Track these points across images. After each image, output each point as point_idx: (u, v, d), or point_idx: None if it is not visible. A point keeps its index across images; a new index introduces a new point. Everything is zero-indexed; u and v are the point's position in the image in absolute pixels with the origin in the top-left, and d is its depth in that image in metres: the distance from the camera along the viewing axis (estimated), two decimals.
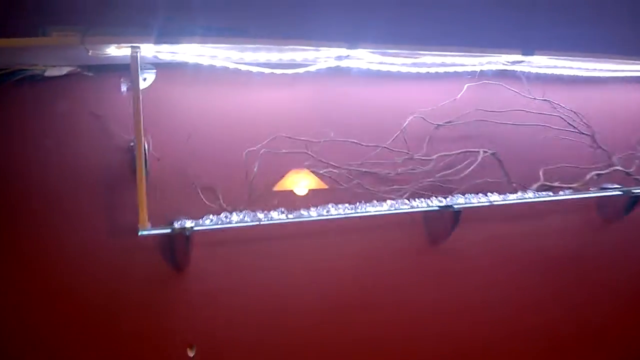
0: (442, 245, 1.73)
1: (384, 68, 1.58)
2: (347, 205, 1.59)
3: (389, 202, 1.63)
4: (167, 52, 1.29)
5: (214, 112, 1.51)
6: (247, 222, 1.46)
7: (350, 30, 1.43)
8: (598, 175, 1.86)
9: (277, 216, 1.50)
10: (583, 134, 1.84)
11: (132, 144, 1.36)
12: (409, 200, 1.65)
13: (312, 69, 1.52)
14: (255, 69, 1.47)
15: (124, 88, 1.38)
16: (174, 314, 1.50)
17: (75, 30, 1.16)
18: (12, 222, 1.35)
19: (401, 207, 1.61)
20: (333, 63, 1.51)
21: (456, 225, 1.65)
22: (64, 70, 1.37)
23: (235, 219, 1.47)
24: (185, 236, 1.40)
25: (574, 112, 1.81)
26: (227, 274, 1.53)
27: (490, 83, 1.72)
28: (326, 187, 1.56)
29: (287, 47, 1.33)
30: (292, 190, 1.52)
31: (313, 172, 1.55)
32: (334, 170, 1.59)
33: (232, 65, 1.42)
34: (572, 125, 1.81)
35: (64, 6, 1.27)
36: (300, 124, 1.57)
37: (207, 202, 1.47)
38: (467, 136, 1.76)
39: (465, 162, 1.72)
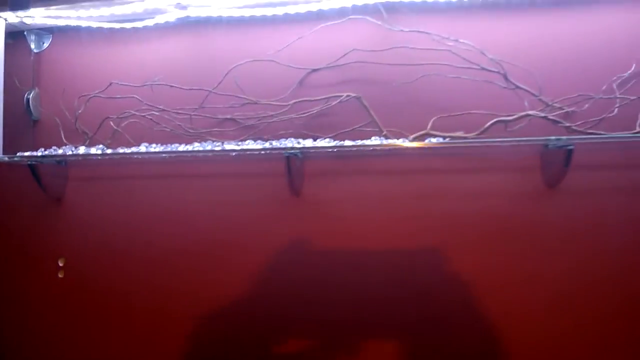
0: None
1: (236, 14, 1.62)
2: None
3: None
4: (26, 16, 1.65)
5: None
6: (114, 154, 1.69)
7: None
8: (503, 122, 1.44)
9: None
10: (490, 71, 1.46)
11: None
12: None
13: (152, 22, 1.69)
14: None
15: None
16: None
17: None
18: None
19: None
20: (179, 13, 1.63)
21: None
22: None
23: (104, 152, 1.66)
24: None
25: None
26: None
27: (357, 18, 1.54)
28: None
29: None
30: None
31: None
32: (165, 116, 1.70)
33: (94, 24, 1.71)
34: (469, 62, 1.46)
35: None
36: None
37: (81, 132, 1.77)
38: (347, 81, 1.62)
39: (325, 107, 1.59)
